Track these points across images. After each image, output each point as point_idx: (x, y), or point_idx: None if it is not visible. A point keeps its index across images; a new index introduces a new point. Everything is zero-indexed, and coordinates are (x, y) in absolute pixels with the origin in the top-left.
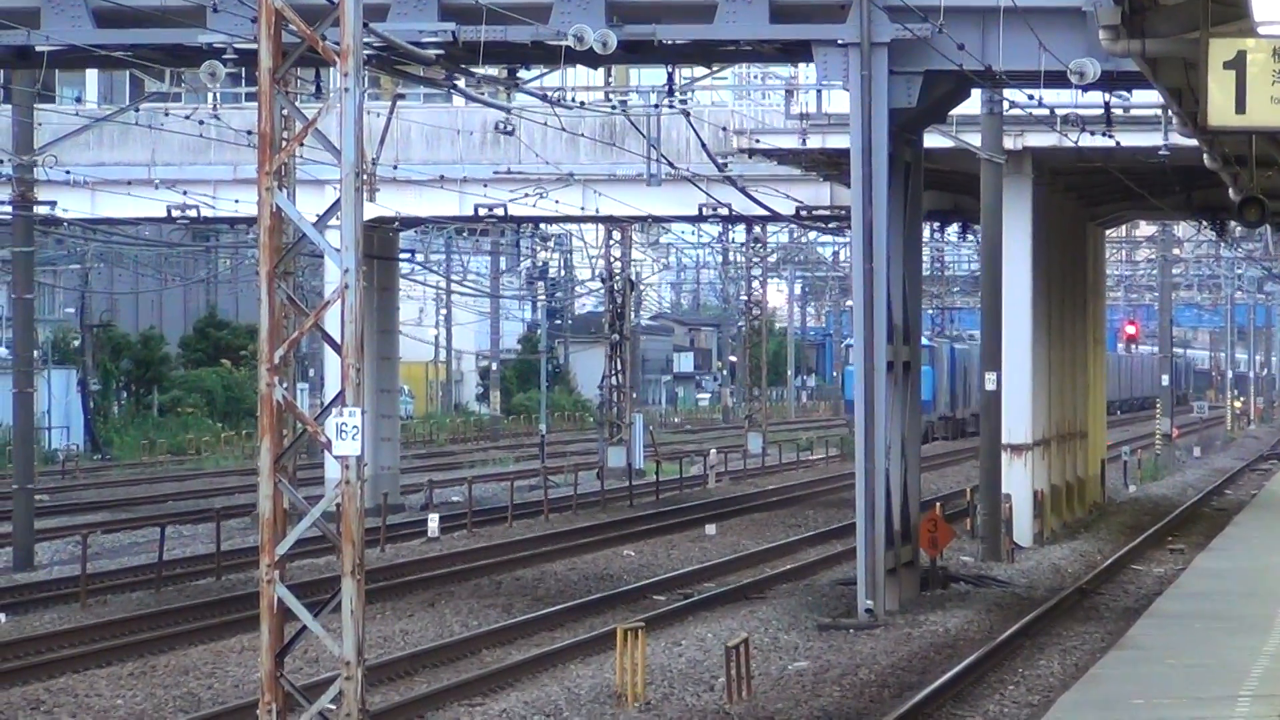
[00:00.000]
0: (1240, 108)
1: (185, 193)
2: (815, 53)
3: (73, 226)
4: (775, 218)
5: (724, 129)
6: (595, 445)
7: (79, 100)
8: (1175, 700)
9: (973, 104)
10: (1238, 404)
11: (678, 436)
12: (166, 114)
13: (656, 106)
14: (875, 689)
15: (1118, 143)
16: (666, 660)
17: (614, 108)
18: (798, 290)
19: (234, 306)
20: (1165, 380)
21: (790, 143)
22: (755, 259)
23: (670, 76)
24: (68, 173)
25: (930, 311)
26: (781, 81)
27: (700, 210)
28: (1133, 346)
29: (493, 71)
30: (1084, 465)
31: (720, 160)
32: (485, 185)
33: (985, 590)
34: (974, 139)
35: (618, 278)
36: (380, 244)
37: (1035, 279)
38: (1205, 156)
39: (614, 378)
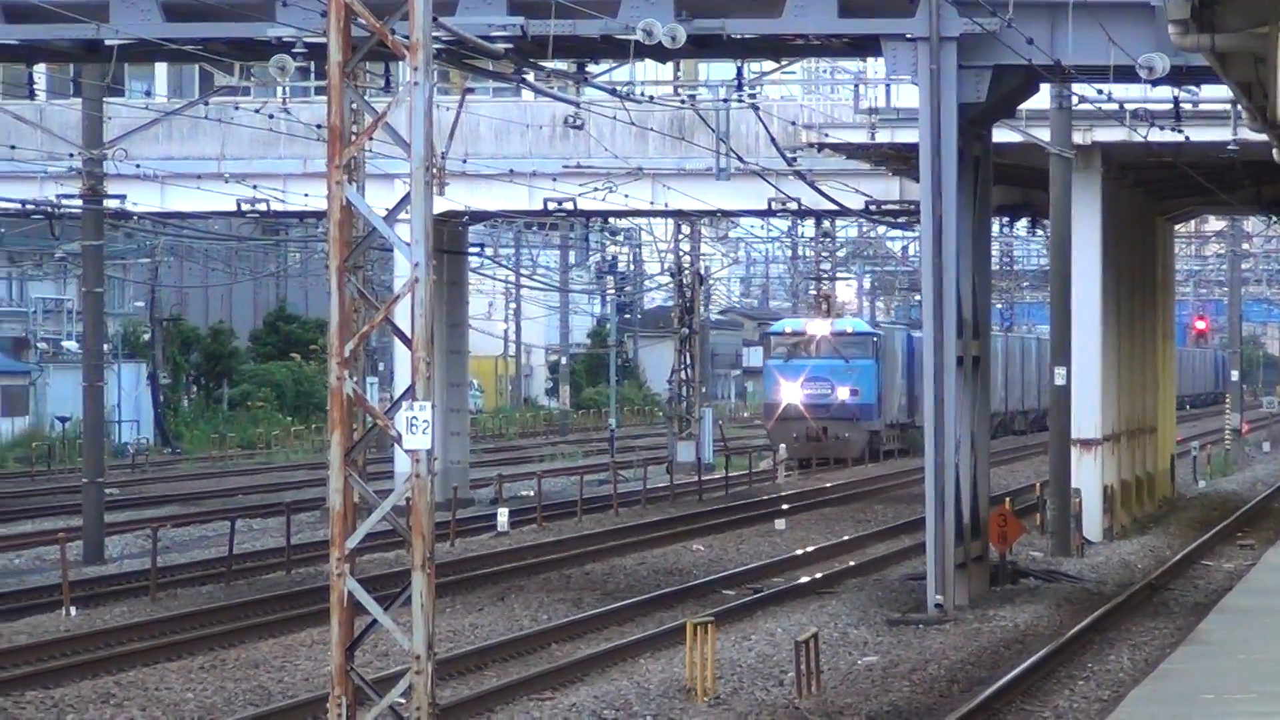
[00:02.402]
0: None
1: (255, 186)
2: (884, 47)
3: (142, 220)
4: (844, 212)
5: (793, 123)
6: (664, 440)
7: (148, 94)
8: (1246, 695)
9: (1042, 98)
10: None
11: (747, 431)
12: (236, 108)
13: (725, 101)
14: (945, 684)
15: (1187, 137)
16: (736, 655)
17: (683, 102)
18: (867, 285)
19: (303, 300)
20: (1235, 375)
21: (859, 137)
22: (824, 254)
23: (739, 71)
24: (137, 166)
25: (999, 306)
26: (850, 76)
27: (769, 205)
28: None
29: (562, 65)
30: (1153, 460)
31: (789, 155)
32: (554, 179)
33: (1055, 585)
34: (1043, 133)
35: (687, 272)
36: (450, 238)
37: (1104, 274)
38: (1275, 151)
39: (683, 372)
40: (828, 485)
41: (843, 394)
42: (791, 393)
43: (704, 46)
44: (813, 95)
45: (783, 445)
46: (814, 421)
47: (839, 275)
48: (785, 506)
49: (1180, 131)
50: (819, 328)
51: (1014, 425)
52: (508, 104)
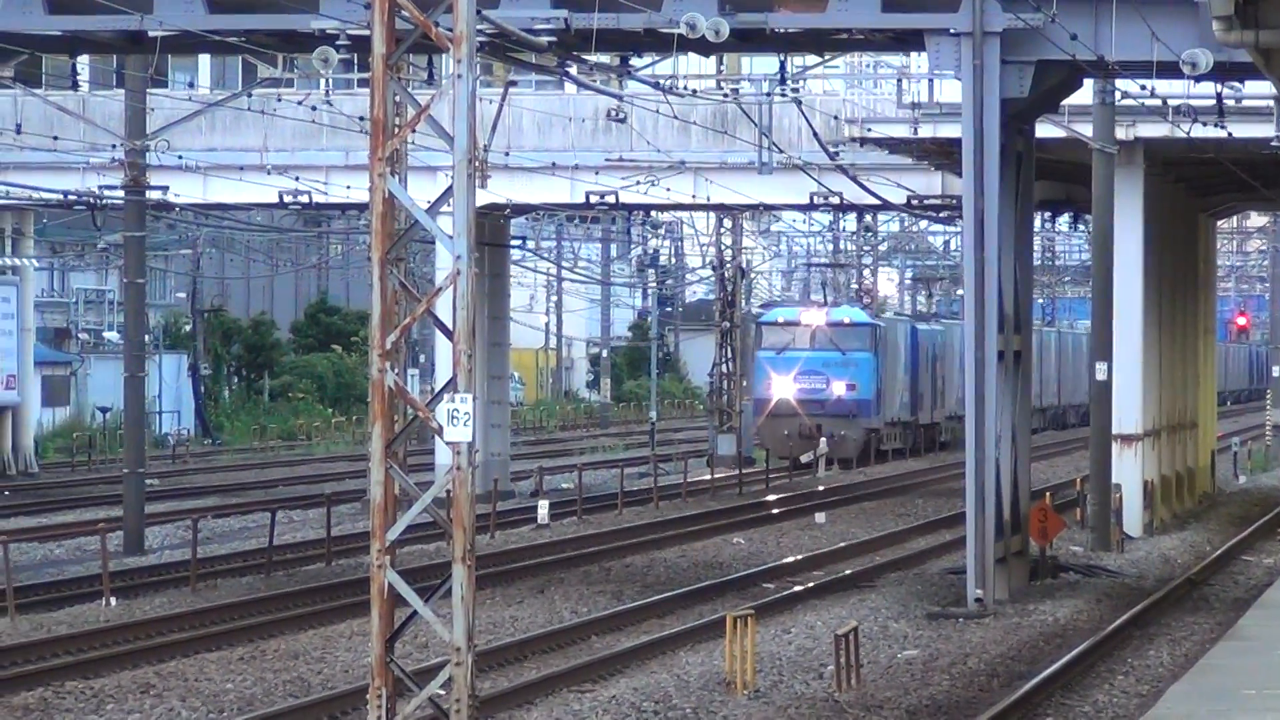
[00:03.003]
0: None
1: (297, 178)
2: (927, 42)
3: (184, 211)
4: (886, 206)
5: (835, 117)
6: (705, 433)
7: (191, 85)
8: None
9: (1085, 94)
10: None
11: None
12: (279, 99)
13: (768, 94)
14: (984, 678)
15: (1230, 133)
16: (776, 648)
17: (726, 95)
18: (908, 279)
19: (345, 292)
20: (1277, 371)
21: (902, 132)
22: (866, 248)
23: (782, 65)
24: (180, 158)
25: (1041, 301)
26: (893, 70)
27: (811, 198)
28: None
29: (604, 59)
30: (1194, 456)
31: (831, 149)
32: (596, 172)
33: (1095, 580)
34: (1086, 129)
35: (728, 265)
36: (492, 231)
37: (1146, 269)
38: None
39: (724, 365)
40: (869, 479)
41: (839, 389)
42: (783, 387)
43: (747, 40)
44: (855, 89)
45: (823, 440)
46: (807, 418)
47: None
48: (826, 500)
49: (1223, 127)
50: (814, 317)
51: (1066, 419)
52: (550, 97)
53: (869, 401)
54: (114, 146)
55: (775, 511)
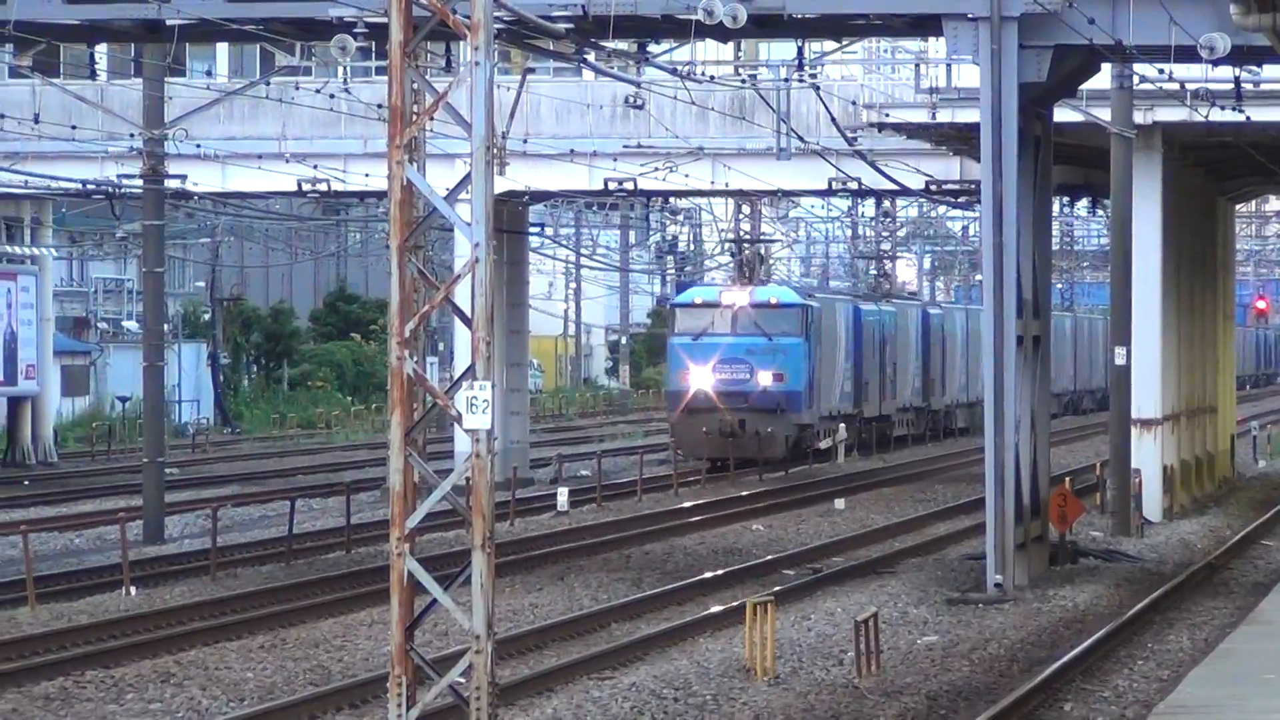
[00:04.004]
0: None
1: (315, 166)
2: (945, 27)
3: (203, 200)
4: (904, 192)
5: (853, 103)
6: None
7: (209, 74)
8: None
9: (1103, 78)
10: None
11: None
12: (297, 88)
13: (786, 80)
14: (1004, 663)
15: (1248, 117)
16: (796, 634)
17: (744, 82)
18: (927, 265)
19: (364, 280)
20: None
21: (920, 117)
22: (884, 233)
23: (800, 50)
24: (198, 146)
25: (1059, 286)
26: (911, 55)
27: (830, 184)
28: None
29: (622, 45)
30: (1214, 440)
31: (850, 134)
32: (615, 159)
33: (1114, 565)
34: (1104, 113)
35: (747, 251)
36: (510, 218)
37: (1165, 254)
38: None
39: None
40: (888, 465)
41: (764, 379)
42: (701, 378)
43: (765, 26)
44: (873, 75)
45: (842, 425)
46: (728, 413)
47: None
48: (845, 486)
49: (1241, 111)
50: (735, 297)
51: (1081, 405)
52: (568, 84)
53: (798, 394)
54: (132, 135)
55: (795, 498)
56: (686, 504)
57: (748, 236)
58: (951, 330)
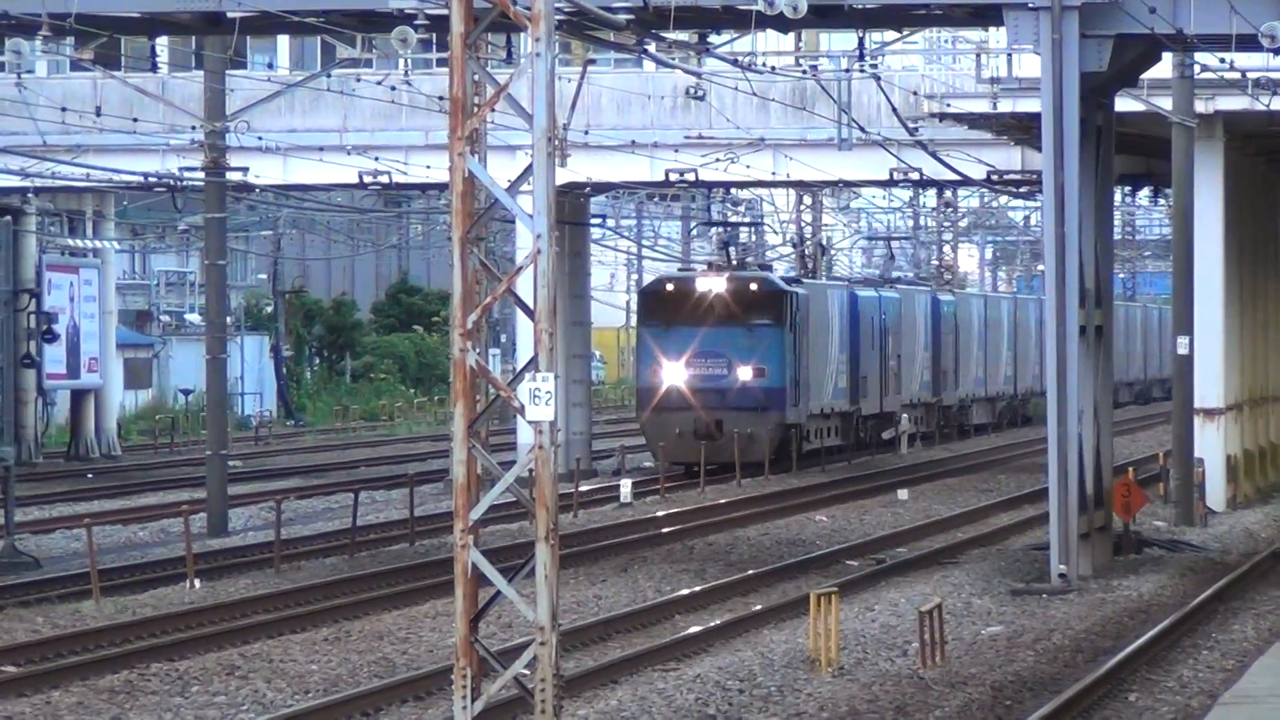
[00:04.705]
0: None
1: (377, 158)
2: (1006, 16)
3: (264, 192)
4: (966, 182)
5: (914, 93)
6: None
7: (270, 66)
8: None
9: (1164, 67)
10: None
11: None
12: (358, 80)
13: (847, 71)
14: (1069, 654)
15: None
16: (860, 625)
17: (804, 72)
18: (989, 255)
19: (425, 272)
20: None
21: (981, 107)
22: (946, 223)
23: (860, 41)
24: (259, 139)
25: (1121, 276)
26: (972, 45)
27: (891, 174)
28: None
29: (683, 36)
30: (1277, 430)
31: (911, 124)
32: (676, 150)
33: (1178, 555)
34: (1165, 102)
35: (809, 242)
36: (571, 209)
37: (1227, 243)
38: None
39: None
40: (951, 455)
41: (743, 374)
42: (673, 373)
43: (825, 16)
44: (934, 65)
45: (905, 415)
46: (704, 412)
47: (961, 245)
48: (909, 476)
49: None
50: (711, 283)
51: (1149, 394)
52: (629, 75)
53: (782, 390)
54: (193, 128)
55: (858, 488)
56: (750, 495)
57: (809, 227)
58: (966, 318)
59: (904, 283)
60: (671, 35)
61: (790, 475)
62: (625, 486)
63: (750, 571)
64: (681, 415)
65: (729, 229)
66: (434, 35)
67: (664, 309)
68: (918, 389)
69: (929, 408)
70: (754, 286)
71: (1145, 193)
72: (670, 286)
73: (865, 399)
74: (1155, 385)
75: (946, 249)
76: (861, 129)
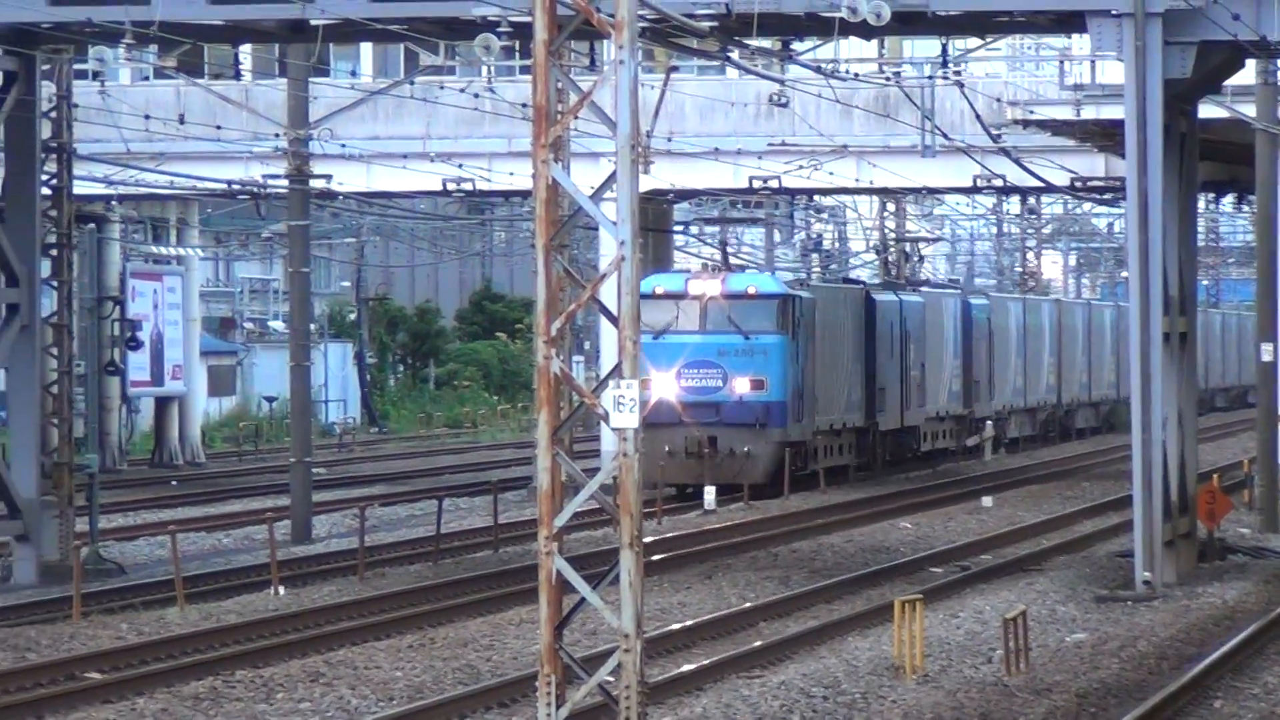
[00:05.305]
0: None
1: (460, 166)
2: (1089, 23)
3: (348, 200)
4: (1049, 189)
5: (998, 100)
6: None
7: (354, 74)
8: None
9: (1247, 74)
10: None
11: None
12: (441, 87)
13: (930, 78)
14: (1154, 661)
15: None
16: (944, 632)
17: (888, 79)
18: (1072, 261)
19: (509, 279)
20: None
21: (1064, 113)
22: (1030, 230)
23: (944, 47)
24: (343, 146)
25: (1205, 283)
26: (1055, 52)
27: (974, 181)
28: None
29: (766, 43)
30: None
31: (994, 131)
32: (759, 157)
33: (1263, 562)
34: (1249, 109)
35: (892, 249)
36: (655, 216)
37: None
38: None
39: None
40: (1035, 462)
41: (740, 386)
42: (663, 385)
43: (908, 23)
44: (1018, 71)
45: (989, 422)
46: (696, 428)
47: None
48: (993, 483)
49: None
50: (705, 286)
51: (1236, 401)
52: (712, 82)
53: (782, 404)
54: (277, 135)
55: (942, 495)
56: (834, 501)
57: (893, 234)
58: (1002, 324)
59: (933, 286)
60: (754, 42)
61: (874, 482)
62: (709, 493)
63: (835, 578)
64: (671, 432)
65: (727, 227)
66: (517, 42)
67: (654, 315)
68: (945, 400)
69: (959, 420)
70: (752, 290)
71: (1229, 199)
72: (660, 290)
73: (883, 413)
74: (1239, 392)
75: (1030, 255)
76: (945, 135)
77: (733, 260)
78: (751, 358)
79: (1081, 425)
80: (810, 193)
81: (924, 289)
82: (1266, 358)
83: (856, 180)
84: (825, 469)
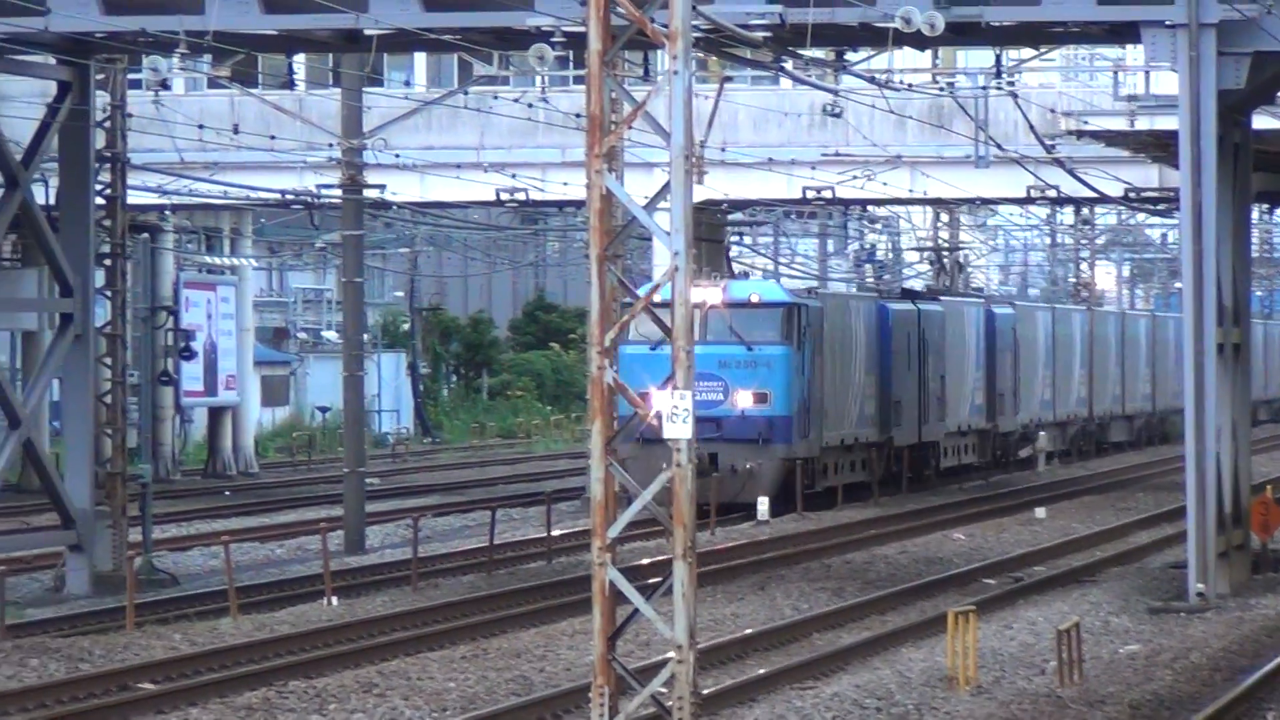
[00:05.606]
0: None
1: (514, 175)
2: (1143, 34)
3: (401, 210)
4: (1103, 200)
5: (1051, 110)
6: None
7: (407, 84)
8: None
9: None
10: None
11: None
12: (495, 97)
13: (984, 88)
14: (1207, 672)
15: None
16: (998, 644)
17: (941, 89)
18: (1126, 272)
19: (562, 289)
20: None
21: (1118, 124)
22: (1083, 241)
23: (998, 58)
24: (397, 156)
25: (1259, 294)
26: (1109, 63)
27: (1028, 192)
28: None
29: (820, 53)
30: None
31: (1048, 142)
32: (813, 167)
33: None
34: None
35: (946, 259)
36: (708, 227)
37: None
38: None
39: None
40: (1089, 473)
41: (742, 400)
42: (660, 399)
43: (962, 34)
44: (1071, 82)
45: (1043, 434)
46: (696, 444)
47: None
48: (1046, 494)
49: None
50: (705, 295)
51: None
52: (766, 92)
53: (787, 419)
54: (331, 145)
55: (995, 506)
56: (887, 513)
57: (946, 244)
58: (1029, 334)
59: (954, 294)
60: (808, 52)
61: (929, 493)
62: (763, 504)
63: (888, 590)
64: (669, 449)
65: (731, 228)
66: (571, 53)
67: (650, 325)
68: (967, 414)
69: (981, 435)
70: (755, 298)
71: None
72: (656, 298)
73: (899, 427)
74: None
75: (1084, 267)
76: (999, 146)
77: (741, 267)
78: (754, 370)
79: (1115, 440)
80: (864, 203)
81: (944, 298)
82: None
83: (910, 191)
84: (844, 485)
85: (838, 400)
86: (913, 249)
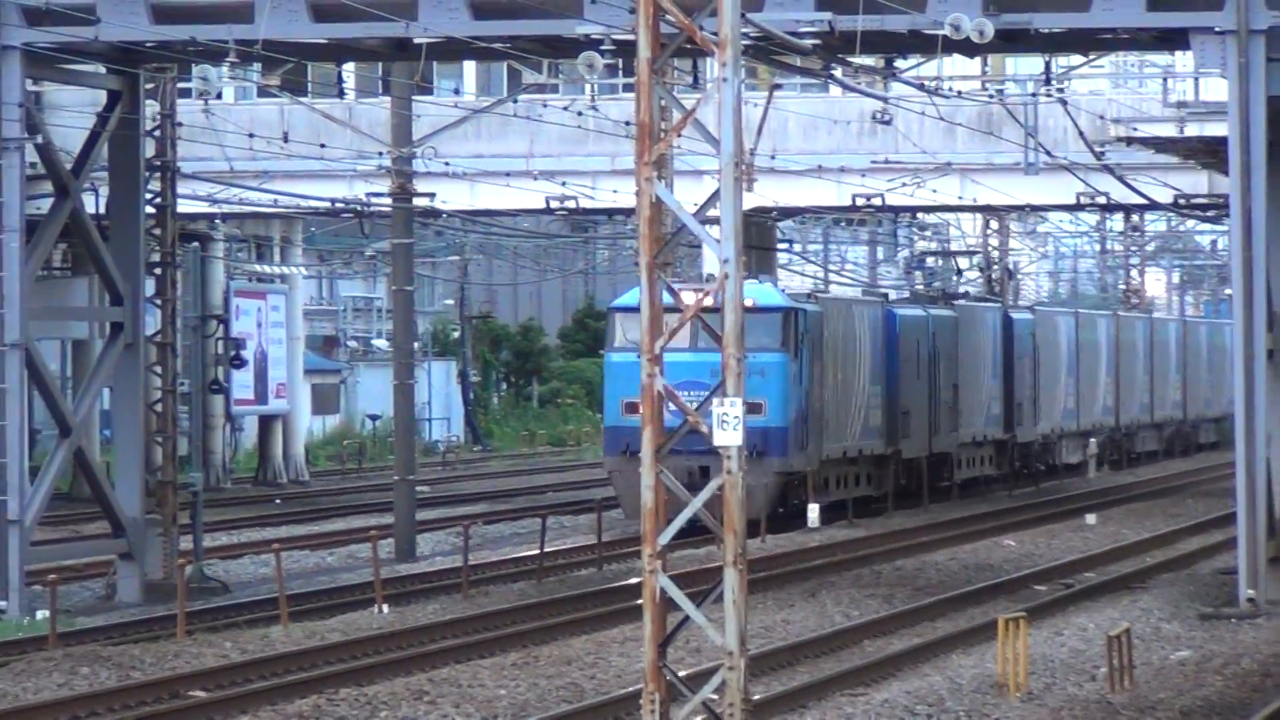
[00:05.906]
0: None
1: (563, 183)
2: (1192, 40)
3: (451, 218)
4: (1153, 206)
5: (1101, 117)
6: None
7: (457, 92)
8: None
9: None
10: None
11: None
12: (544, 105)
13: (1034, 95)
14: (1258, 678)
15: None
16: (1048, 650)
17: (991, 96)
18: (1176, 279)
19: (612, 297)
20: None
21: (1168, 131)
22: (1133, 247)
23: (1047, 65)
24: (446, 164)
25: None
26: (1159, 69)
27: (1078, 199)
28: None
29: (869, 61)
30: None
31: (1098, 148)
32: (863, 174)
33: None
34: None
35: (996, 266)
36: (758, 234)
37: None
38: None
39: None
40: (1139, 480)
41: None
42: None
43: (1011, 41)
44: (1121, 89)
45: (1093, 440)
46: (686, 457)
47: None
48: (1097, 501)
49: None
50: (695, 300)
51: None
52: (815, 100)
53: (783, 430)
54: (380, 154)
55: (1046, 513)
56: (937, 520)
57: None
58: (1050, 340)
59: (968, 299)
60: (858, 60)
61: (977, 500)
62: (813, 511)
63: (938, 596)
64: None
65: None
66: (620, 60)
67: (639, 330)
68: (983, 424)
69: (998, 446)
70: (749, 302)
71: None
72: (628, 302)
73: (908, 439)
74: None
75: (1133, 273)
76: (1048, 153)
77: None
78: (748, 378)
79: (1142, 449)
80: (913, 210)
81: (959, 303)
82: None
83: (960, 198)
84: (853, 500)
85: (839, 410)
86: (942, 253)
